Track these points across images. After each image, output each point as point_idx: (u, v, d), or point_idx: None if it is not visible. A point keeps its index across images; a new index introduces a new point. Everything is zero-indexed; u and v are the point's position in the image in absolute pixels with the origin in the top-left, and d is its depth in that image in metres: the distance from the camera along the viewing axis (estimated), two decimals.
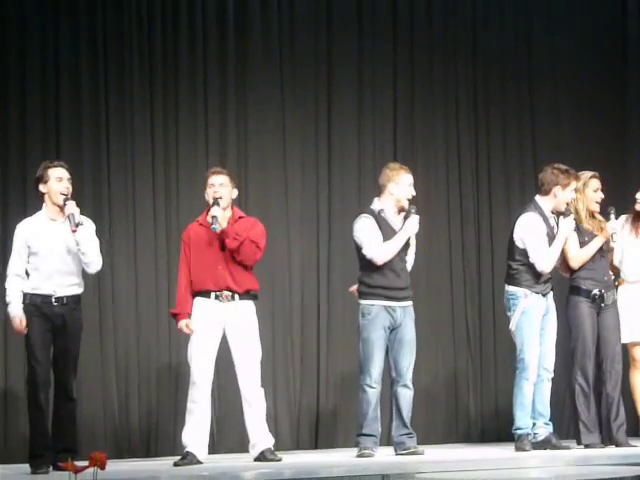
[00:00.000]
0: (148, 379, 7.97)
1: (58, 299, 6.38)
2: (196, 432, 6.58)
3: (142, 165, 8.11)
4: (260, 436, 6.64)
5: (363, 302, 6.91)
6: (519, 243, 7.11)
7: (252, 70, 8.49)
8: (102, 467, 4.98)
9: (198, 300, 6.69)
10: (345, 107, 8.72)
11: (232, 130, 8.39)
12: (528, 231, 7.08)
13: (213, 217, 6.55)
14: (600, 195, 7.30)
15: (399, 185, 6.93)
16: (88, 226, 6.48)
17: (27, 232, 6.45)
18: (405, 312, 6.93)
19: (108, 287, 7.84)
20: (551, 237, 7.10)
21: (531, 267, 7.07)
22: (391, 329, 6.88)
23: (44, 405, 6.33)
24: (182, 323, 6.72)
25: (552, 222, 7.15)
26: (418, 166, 8.27)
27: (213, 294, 6.65)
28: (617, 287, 7.39)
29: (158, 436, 7.90)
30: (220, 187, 6.69)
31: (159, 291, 7.99)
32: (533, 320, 7.06)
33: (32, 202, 7.03)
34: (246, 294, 6.70)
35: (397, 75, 8.91)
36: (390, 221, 6.94)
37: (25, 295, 6.40)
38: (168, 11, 8.24)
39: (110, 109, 8.02)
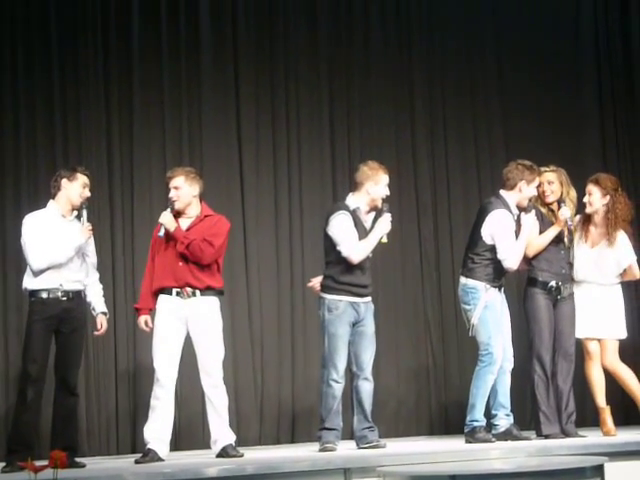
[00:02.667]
0: (107, 376, 7.93)
1: (65, 293, 6.52)
2: (158, 429, 6.56)
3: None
4: (222, 432, 6.63)
5: (329, 297, 6.86)
6: (487, 239, 7.08)
7: (205, 55, 8.51)
8: (62, 466, 4.93)
9: (161, 297, 6.71)
10: (304, 101, 8.77)
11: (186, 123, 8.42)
12: (500, 228, 7.04)
13: (160, 224, 6.67)
14: (542, 189, 7.29)
15: (378, 185, 6.90)
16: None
17: (39, 225, 6.57)
18: (367, 307, 6.94)
19: None
20: (516, 232, 7.12)
21: (494, 262, 7.06)
22: (353, 324, 6.88)
23: (33, 403, 6.40)
24: (141, 319, 6.76)
25: (515, 217, 7.17)
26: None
27: (175, 290, 6.66)
28: (573, 281, 7.42)
29: (118, 433, 7.86)
30: (175, 190, 6.73)
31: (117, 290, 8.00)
32: (496, 314, 7.08)
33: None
34: (207, 290, 6.70)
35: (353, 67, 8.92)
36: (362, 219, 6.93)
37: (30, 293, 6.55)
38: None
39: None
